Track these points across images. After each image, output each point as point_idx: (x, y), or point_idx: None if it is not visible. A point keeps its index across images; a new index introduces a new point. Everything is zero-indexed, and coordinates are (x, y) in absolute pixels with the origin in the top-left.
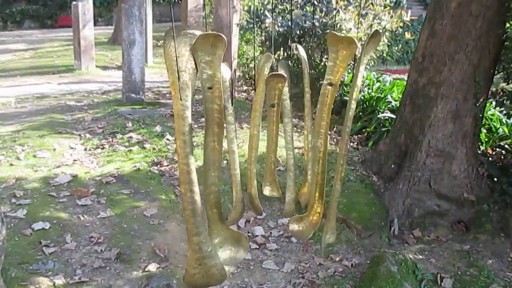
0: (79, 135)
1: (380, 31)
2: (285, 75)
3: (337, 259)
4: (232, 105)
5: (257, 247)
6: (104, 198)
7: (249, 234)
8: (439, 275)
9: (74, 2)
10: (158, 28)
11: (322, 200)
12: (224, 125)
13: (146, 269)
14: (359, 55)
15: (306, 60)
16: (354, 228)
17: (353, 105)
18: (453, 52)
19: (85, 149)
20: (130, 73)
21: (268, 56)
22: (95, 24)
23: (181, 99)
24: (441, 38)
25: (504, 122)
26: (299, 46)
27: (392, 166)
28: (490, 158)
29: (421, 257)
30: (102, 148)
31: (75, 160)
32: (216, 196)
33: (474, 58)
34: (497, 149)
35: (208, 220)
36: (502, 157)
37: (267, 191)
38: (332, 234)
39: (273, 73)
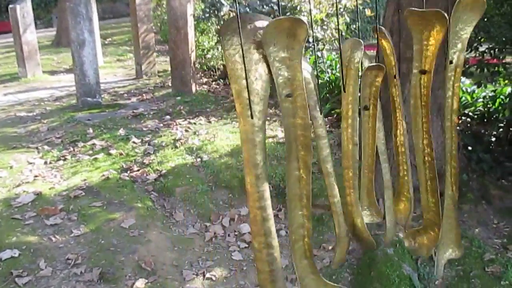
0: (36, 148)
1: (341, 9)
2: (383, 66)
3: (330, 247)
4: (321, 114)
5: (246, 245)
6: (75, 214)
7: (236, 233)
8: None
9: (11, 5)
10: (102, 25)
11: (439, 209)
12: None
13: (134, 287)
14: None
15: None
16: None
17: (451, 91)
18: None
19: (46, 163)
20: (83, 76)
21: (357, 43)
22: (35, 27)
23: (251, 117)
24: (408, 6)
25: (464, 90)
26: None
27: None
28: (458, 127)
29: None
30: (64, 160)
31: (36, 176)
32: (307, 242)
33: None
34: (463, 118)
35: (298, 274)
36: (469, 125)
37: (366, 217)
38: (456, 247)
39: (371, 64)
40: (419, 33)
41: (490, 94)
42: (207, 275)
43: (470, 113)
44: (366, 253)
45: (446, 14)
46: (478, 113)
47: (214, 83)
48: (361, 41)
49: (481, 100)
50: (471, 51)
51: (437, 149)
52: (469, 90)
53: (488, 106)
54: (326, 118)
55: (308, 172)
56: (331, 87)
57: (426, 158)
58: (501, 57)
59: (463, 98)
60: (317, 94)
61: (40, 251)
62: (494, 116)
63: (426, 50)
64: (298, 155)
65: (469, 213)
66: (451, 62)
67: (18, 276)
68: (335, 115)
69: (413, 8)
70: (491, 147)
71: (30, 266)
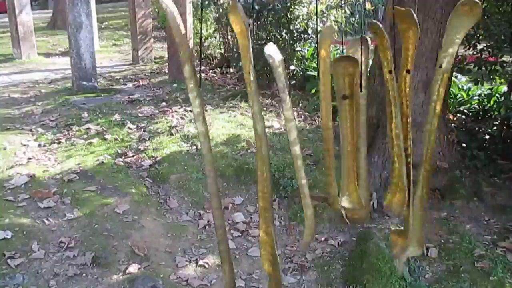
0: (30, 130)
1: (342, 2)
2: (357, 58)
3: (323, 239)
4: (290, 97)
5: (240, 234)
6: (69, 197)
7: (229, 222)
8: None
9: None
10: (99, 9)
11: (406, 176)
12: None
13: (127, 272)
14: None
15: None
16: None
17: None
18: (421, 20)
19: (40, 146)
20: (79, 59)
21: (330, 29)
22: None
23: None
24: (408, 7)
25: (460, 87)
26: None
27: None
28: (452, 124)
29: (403, 228)
30: (59, 143)
31: (29, 158)
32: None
33: (443, 26)
34: (458, 115)
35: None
36: (463, 122)
37: (346, 203)
38: (418, 246)
39: (342, 55)
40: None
41: (486, 92)
42: (200, 262)
43: (466, 110)
44: (359, 245)
45: (414, 14)
46: (473, 110)
47: (211, 71)
48: (334, 27)
49: (476, 97)
50: (469, 49)
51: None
52: (465, 87)
53: (484, 104)
54: None
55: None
56: None
57: (396, 147)
58: (499, 56)
59: (459, 95)
60: (286, 78)
61: (33, 233)
62: (489, 114)
63: (409, 50)
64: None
65: (461, 209)
66: (440, 66)
67: (11, 258)
68: (332, 108)
69: (396, 7)
70: (485, 144)
71: (22, 248)
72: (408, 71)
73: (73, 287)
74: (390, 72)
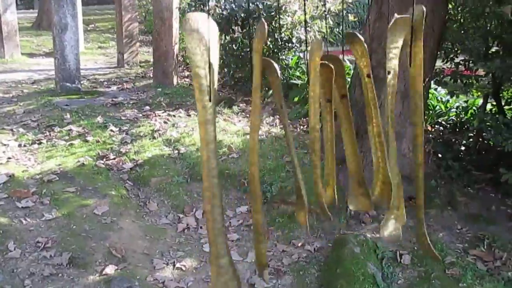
0: (11, 130)
1: (325, 13)
2: (341, 62)
3: (299, 244)
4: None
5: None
6: (48, 198)
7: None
8: (398, 252)
9: None
10: (85, 11)
11: (400, 193)
12: None
13: (104, 273)
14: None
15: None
16: (314, 212)
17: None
18: None
19: (20, 145)
20: (63, 61)
21: (318, 42)
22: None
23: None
24: (388, 20)
25: (440, 99)
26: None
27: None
28: (430, 135)
29: (378, 235)
30: (39, 143)
31: (9, 158)
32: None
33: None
34: (436, 126)
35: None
36: (441, 133)
37: (324, 198)
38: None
39: (322, 62)
40: (391, 38)
41: (464, 105)
42: (177, 265)
43: (444, 122)
44: (334, 250)
45: (410, 21)
46: (451, 122)
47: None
48: (322, 42)
49: (454, 110)
50: (447, 62)
51: (408, 154)
52: (443, 99)
53: (461, 116)
54: (305, 119)
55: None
56: None
57: (395, 151)
58: (474, 69)
59: (437, 107)
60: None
61: (10, 232)
62: (466, 126)
63: (392, 53)
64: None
65: (435, 218)
66: (389, 73)
67: None
68: None
69: (398, 16)
70: (460, 155)
71: None
72: (368, 76)
73: (48, 287)
74: (368, 76)
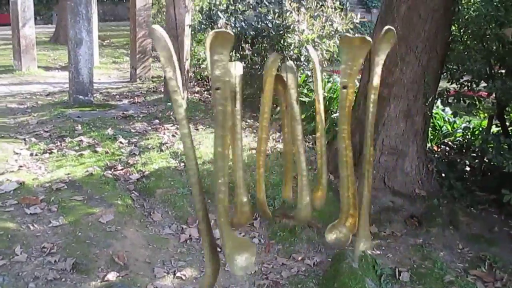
0: (24, 139)
1: (332, 32)
2: (294, 76)
3: (299, 258)
4: (236, 106)
5: (219, 250)
6: (55, 205)
7: None
8: (397, 269)
9: None
10: (102, 27)
11: (355, 202)
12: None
13: (105, 279)
14: (371, 55)
15: (318, 62)
16: (315, 227)
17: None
18: (404, 53)
19: (32, 154)
20: (77, 74)
21: (276, 56)
22: (34, 23)
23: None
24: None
25: (447, 120)
26: (310, 48)
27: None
28: (435, 155)
29: (379, 252)
30: (50, 153)
31: (21, 166)
32: (225, 205)
33: (423, 59)
34: (442, 146)
35: (220, 230)
36: (447, 154)
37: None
38: (367, 240)
39: (280, 73)
40: (346, 54)
41: (471, 126)
42: (178, 274)
43: (450, 143)
44: (332, 265)
45: (369, 40)
46: (458, 143)
47: (206, 92)
48: (279, 55)
49: (460, 130)
50: (452, 83)
51: (411, 173)
52: (451, 120)
53: (468, 137)
54: (311, 136)
55: (227, 147)
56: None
57: (345, 158)
58: (476, 90)
59: (444, 128)
60: (240, 89)
61: (17, 237)
62: (471, 147)
63: (349, 68)
64: (223, 134)
65: (436, 236)
66: (345, 88)
67: None
68: None
69: (347, 34)
70: (465, 176)
71: (5, 250)
72: (345, 87)
73: None
74: (345, 87)
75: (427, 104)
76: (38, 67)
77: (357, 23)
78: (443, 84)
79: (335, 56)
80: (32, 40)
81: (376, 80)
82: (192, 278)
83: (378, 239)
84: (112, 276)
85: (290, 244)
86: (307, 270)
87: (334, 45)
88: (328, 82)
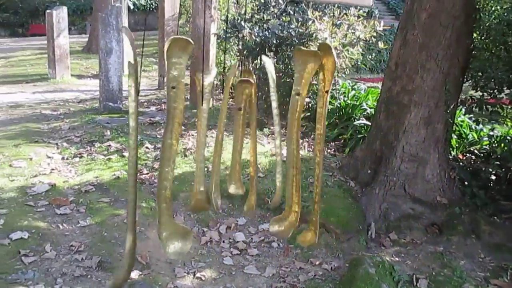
0: (56, 144)
1: (355, 40)
2: (252, 81)
3: (317, 262)
4: (202, 105)
5: (239, 252)
6: (84, 206)
7: (230, 240)
8: (414, 276)
9: (48, 11)
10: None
11: (299, 200)
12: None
13: (129, 277)
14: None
15: (273, 72)
16: (333, 232)
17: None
18: (424, 60)
19: (63, 158)
20: (107, 82)
21: (235, 65)
22: (68, 33)
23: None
24: (413, 48)
25: (474, 128)
26: (265, 59)
27: (368, 171)
28: (460, 163)
29: (397, 259)
30: (80, 157)
31: (52, 169)
32: (168, 192)
33: (444, 66)
34: (468, 154)
35: (158, 214)
36: (472, 162)
37: (232, 189)
38: (314, 233)
39: (242, 78)
40: (300, 65)
41: (496, 134)
42: (198, 274)
43: (476, 151)
44: (349, 270)
45: (319, 54)
46: (484, 151)
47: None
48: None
49: (486, 138)
50: (477, 90)
51: (432, 180)
52: (477, 128)
53: (494, 145)
54: (333, 143)
55: (176, 142)
56: (340, 113)
57: (294, 158)
58: (497, 97)
59: (470, 136)
60: (202, 90)
61: (47, 236)
62: (496, 155)
63: (304, 79)
64: (172, 128)
65: (457, 245)
66: (298, 95)
67: (25, 256)
68: (342, 140)
69: (300, 47)
70: (490, 184)
71: (36, 248)
72: (298, 94)
73: (77, 286)
74: (327, 92)
75: (448, 111)
76: (71, 75)
77: (380, 30)
78: (468, 91)
79: (359, 63)
80: (66, 49)
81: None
82: (212, 279)
83: (398, 246)
84: (134, 274)
85: (308, 248)
86: (324, 274)
87: (358, 53)
88: (352, 89)
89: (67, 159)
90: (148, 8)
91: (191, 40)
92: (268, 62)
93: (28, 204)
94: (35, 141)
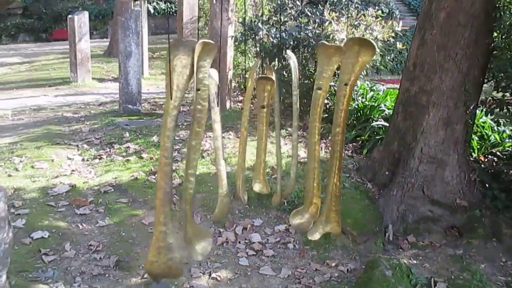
0: (77, 146)
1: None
2: (273, 78)
3: (333, 264)
4: (218, 105)
5: (254, 253)
6: (103, 207)
7: (246, 241)
8: (432, 279)
9: (70, 16)
10: (153, 40)
11: (319, 192)
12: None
13: (145, 276)
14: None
15: (297, 66)
16: (350, 234)
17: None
18: (443, 60)
19: (83, 160)
20: (127, 84)
21: (256, 63)
22: (90, 37)
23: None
24: (431, 47)
25: (496, 129)
26: (290, 53)
27: (386, 173)
28: (482, 165)
29: (415, 262)
30: (100, 158)
31: (73, 171)
32: (191, 193)
33: (464, 66)
34: (489, 156)
35: (184, 214)
36: (494, 164)
37: (257, 187)
38: (336, 226)
39: (262, 75)
40: (322, 59)
41: None
42: (213, 275)
43: (498, 153)
44: (365, 272)
45: (342, 49)
46: (507, 153)
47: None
48: (259, 61)
49: (508, 140)
50: (498, 91)
51: (452, 182)
52: (500, 129)
53: None
54: (351, 144)
55: (200, 141)
56: (358, 114)
57: (315, 152)
58: None
59: (492, 137)
60: (217, 91)
61: (67, 235)
62: None
63: (325, 73)
64: (198, 129)
65: (478, 248)
66: (346, 84)
67: (45, 254)
68: (359, 142)
69: (324, 42)
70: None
71: (56, 247)
72: (319, 88)
73: (95, 285)
74: (346, 84)
75: (468, 112)
76: (93, 78)
77: (398, 31)
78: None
79: (377, 64)
80: (87, 53)
81: (354, 79)
82: (227, 280)
83: (416, 249)
84: None
85: (324, 250)
86: (340, 276)
87: (376, 54)
88: (371, 90)
89: (87, 160)
90: (168, 12)
91: (214, 43)
92: (293, 57)
93: (49, 204)
94: (56, 143)
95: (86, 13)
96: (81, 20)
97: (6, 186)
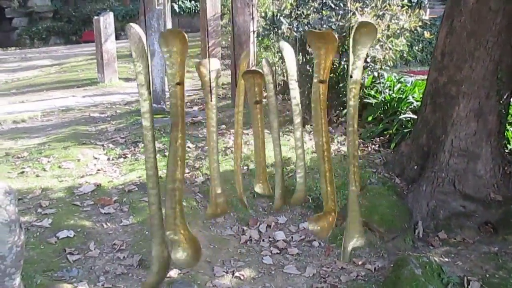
0: (102, 145)
1: (399, 30)
2: (263, 71)
3: (360, 262)
4: (211, 101)
5: (278, 252)
6: (127, 206)
7: (270, 239)
8: (465, 278)
9: (96, 17)
10: None
11: (334, 197)
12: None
13: (168, 275)
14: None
15: (294, 58)
16: (377, 231)
17: (353, 101)
18: (473, 48)
19: (108, 159)
20: (151, 83)
21: (246, 54)
22: (117, 38)
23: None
24: (460, 35)
25: None
26: (283, 44)
27: (415, 167)
28: None
29: (447, 259)
30: (125, 158)
31: (98, 170)
32: (179, 193)
33: (495, 54)
34: None
35: (167, 216)
36: None
37: (258, 188)
38: (360, 236)
39: (248, 69)
40: (317, 49)
41: None
42: (236, 274)
43: None
44: (394, 271)
45: (336, 36)
46: None
47: (280, 96)
48: (249, 52)
49: None
50: None
51: (485, 176)
52: None
53: None
54: (378, 138)
55: (184, 141)
56: (385, 107)
57: (325, 153)
58: None
59: None
60: (213, 86)
61: (92, 234)
62: None
63: (324, 64)
64: (180, 128)
65: None
66: (351, 77)
67: (70, 254)
68: (387, 135)
69: (311, 29)
70: None
71: (81, 246)
72: (321, 81)
73: (119, 284)
74: (322, 82)
75: (501, 102)
76: (119, 78)
77: (426, 20)
78: None
79: (405, 55)
80: (113, 54)
81: (357, 75)
82: (250, 279)
83: (447, 246)
84: (174, 273)
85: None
86: (367, 275)
87: (403, 44)
88: (399, 82)
89: (112, 159)
90: (193, 11)
91: (184, 33)
92: (287, 48)
93: (75, 204)
94: (83, 143)
95: (111, 14)
96: (106, 21)
97: (34, 186)
